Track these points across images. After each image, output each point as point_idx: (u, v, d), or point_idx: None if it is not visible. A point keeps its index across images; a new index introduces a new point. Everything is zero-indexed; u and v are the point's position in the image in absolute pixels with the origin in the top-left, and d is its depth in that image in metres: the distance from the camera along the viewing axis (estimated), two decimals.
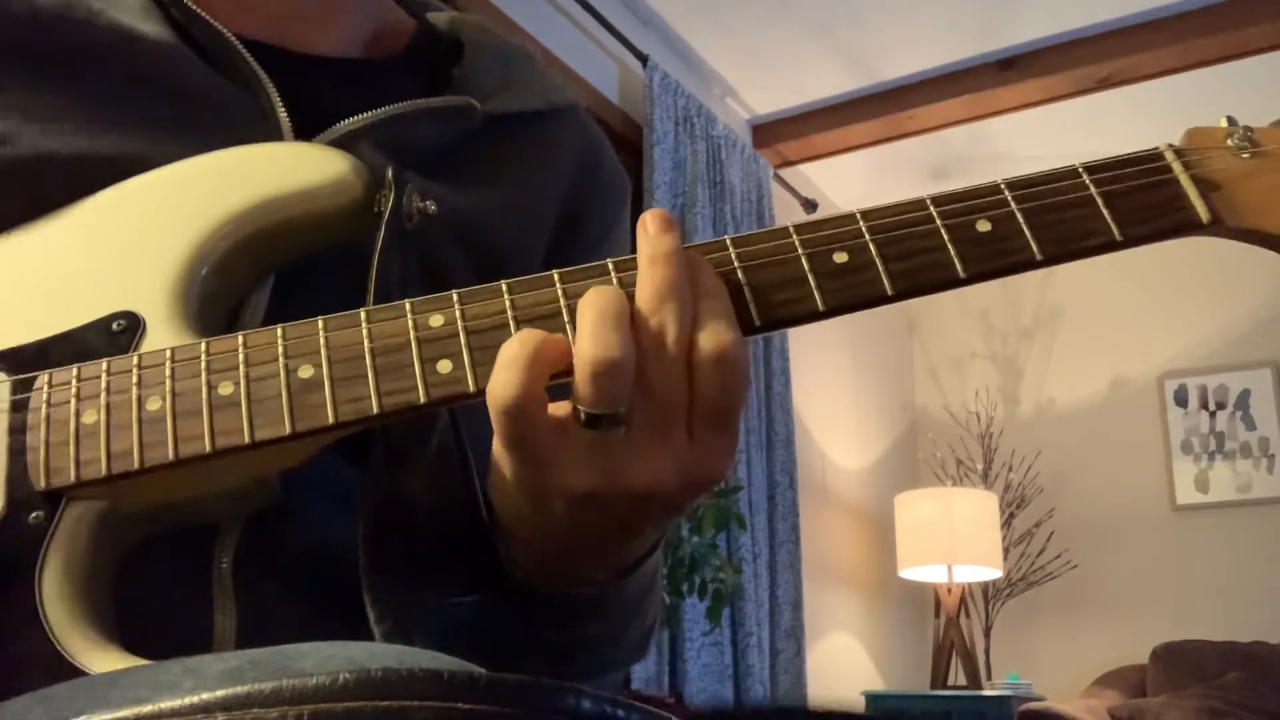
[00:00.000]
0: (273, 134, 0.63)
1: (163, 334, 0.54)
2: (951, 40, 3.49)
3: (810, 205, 4.07)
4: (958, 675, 3.91)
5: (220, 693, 0.32)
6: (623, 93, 3.30)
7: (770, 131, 3.92)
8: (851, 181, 4.22)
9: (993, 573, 3.98)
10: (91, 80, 0.61)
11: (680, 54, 3.54)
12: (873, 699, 3.77)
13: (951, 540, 3.79)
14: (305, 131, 0.63)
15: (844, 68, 3.62)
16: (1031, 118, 3.77)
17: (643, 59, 3.23)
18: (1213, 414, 4.35)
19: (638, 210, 3.35)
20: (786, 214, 3.91)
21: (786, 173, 4.02)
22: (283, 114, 0.63)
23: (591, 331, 0.47)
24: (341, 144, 0.63)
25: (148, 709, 0.32)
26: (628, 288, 0.50)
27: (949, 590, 3.93)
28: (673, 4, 3.33)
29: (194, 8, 0.64)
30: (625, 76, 3.31)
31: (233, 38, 0.63)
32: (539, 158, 0.73)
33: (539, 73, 0.77)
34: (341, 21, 0.72)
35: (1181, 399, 4.40)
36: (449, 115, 0.67)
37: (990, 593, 4.24)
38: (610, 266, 0.52)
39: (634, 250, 0.51)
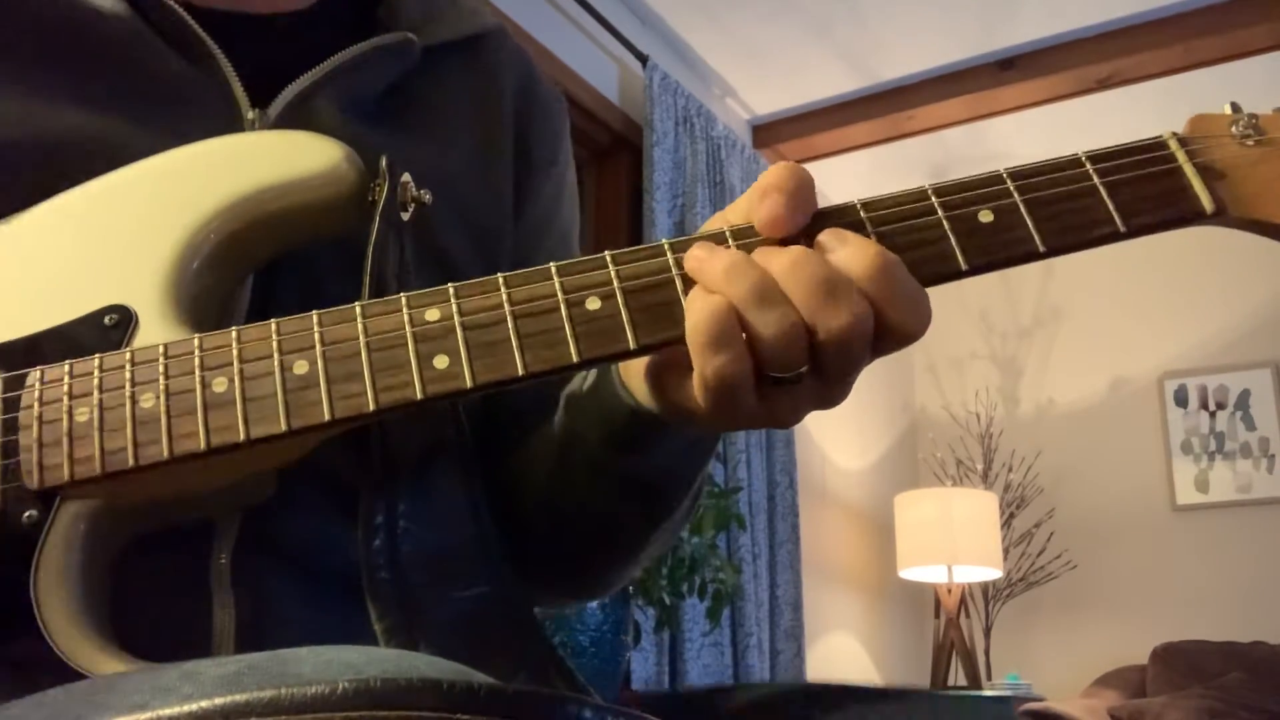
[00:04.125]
0: (230, 107, 0.63)
1: (155, 328, 0.53)
2: (951, 40, 3.49)
3: None
4: (958, 675, 3.91)
5: (219, 700, 0.32)
6: (623, 93, 3.29)
7: (770, 131, 3.92)
8: (851, 182, 4.22)
9: (993, 573, 3.97)
10: (54, 57, 0.61)
11: (680, 54, 3.54)
12: None
13: (951, 540, 3.78)
14: (262, 98, 0.63)
15: (844, 68, 3.62)
16: (1031, 118, 3.77)
17: (643, 59, 3.23)
18: (1213, 414, 4.34)
19: (637, 214, 3.28)
20: None
21: None
22: (237, 85, 0.63)
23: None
24: (296, 107, 0.63)
25: (146, 716, 0.32)
26: (630, 280, 0.50)
27: (949, 590, 3.93)
28: (673, 4, 3.33)
29: None
30: (625, 76, 3.31)
31: (183, 12, 0.63)
32: (479, 88, 0.74)
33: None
34: None
35: (1181, 399, 4.39)
36: (388, 55, 0.67)
37: (990, 593, 4.24)
38: (608, 259, 0.52)
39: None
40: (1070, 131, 3.88)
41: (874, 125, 3.79)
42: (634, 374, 0.56)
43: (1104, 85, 3.54)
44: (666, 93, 3.26)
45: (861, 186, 4.26)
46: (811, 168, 4.11)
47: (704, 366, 0.48)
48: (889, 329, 0.49)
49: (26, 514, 0.49)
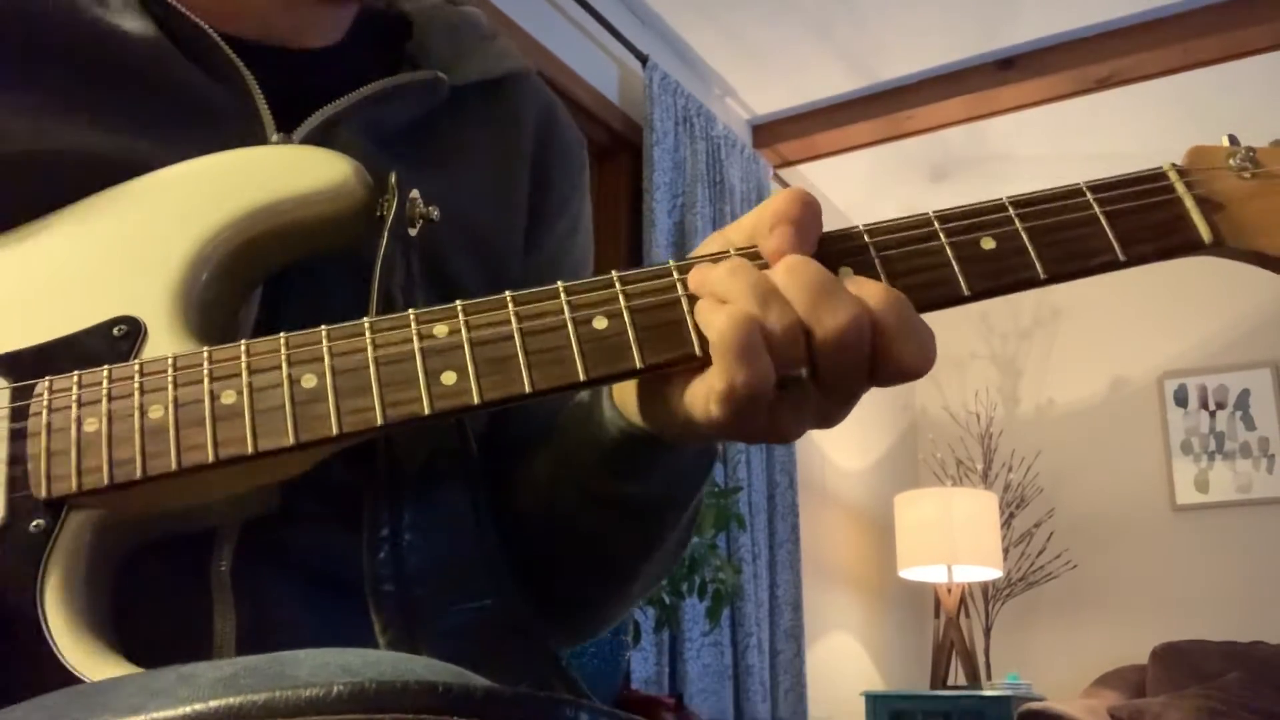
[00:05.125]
0: (255, 129, 0.63)
1: (164, 340, 0.53)
2: (951, 40, 3.49)
3: None
4: (958, 675, 3.91)
5: (215, 702, 0.32)
6: (623, 93, 3.30)
7: (770, 131, 3.92)
8: (851, 181, 4.22)
9: (992, 573, 3.98)
10: (77, 76, 0.61)
11: (680, 54, 3.54)
12: (873, 699, 3.77)
13: (951, 540, 3.79)
14: (287, 124, 0.63)
15: (844, 68, 3.62)
16: (1031, 118, 3.77)
17: (643, 59, 3.23)
18: (1213, 414, 4.34)
19: (637, 214, 3.27)
20: None
21: (786, 173, 4.02)
22: (264, 108, 0.63)
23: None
24: (321, 133, 0.63)
25: (142, 718, 0.33)
26: (637, 300, 0.51)
27: (949, 590, 3.93)
28: (673, 4, 3.33)
29: (173, 3, 0.64)
30: (625, 76, 3.31)
31: (213, 33, 0.63)
32: (502, 129, 0.74)
33: (490, 38, 0.77)
34: (329, 18, 0.72)
35: (1181, 399, 4.40)
36: (416, 91, 0.68)
37: (990, 593, 4.24)
38: (615, 279, 0.52)
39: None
40: (1070, 132, 3.87)
41: (874, 125, 3.79)
42: (628, 395, 0.56)
43: (1104, 85, 3.53)
44: (666, 93, 3.26)
45: (861, 186, 4.26)
46: (811, 168, 4.12)
47: (733, 378, 0.48)
48: (895, 361, 0.50)
49: (34, 523, 0.49)
